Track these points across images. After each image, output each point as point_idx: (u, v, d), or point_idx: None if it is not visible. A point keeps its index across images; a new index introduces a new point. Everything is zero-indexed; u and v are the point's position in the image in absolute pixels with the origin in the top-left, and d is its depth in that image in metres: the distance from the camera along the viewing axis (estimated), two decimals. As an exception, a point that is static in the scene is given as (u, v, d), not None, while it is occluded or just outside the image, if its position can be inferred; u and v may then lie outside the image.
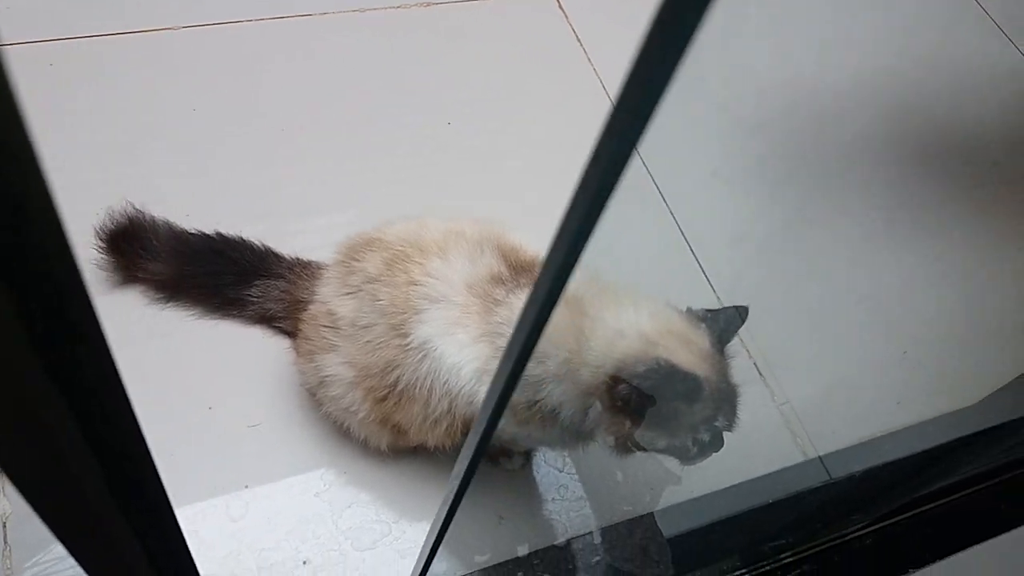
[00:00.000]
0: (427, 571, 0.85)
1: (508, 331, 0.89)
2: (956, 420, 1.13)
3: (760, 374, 1.35)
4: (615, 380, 0.86)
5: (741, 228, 1.51)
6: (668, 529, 1.19)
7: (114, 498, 0.35)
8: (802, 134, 1.66)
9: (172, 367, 1.15)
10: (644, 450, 0.92)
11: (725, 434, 0.94)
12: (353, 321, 0.97)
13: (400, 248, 0.98)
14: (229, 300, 1.15)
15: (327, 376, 1.01)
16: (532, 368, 0.90)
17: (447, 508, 0.62)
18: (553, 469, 1.21)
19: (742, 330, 1.39)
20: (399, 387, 0.97)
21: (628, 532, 1.17)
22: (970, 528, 1.30)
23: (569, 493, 1.19)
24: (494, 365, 0.91)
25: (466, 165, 1.46)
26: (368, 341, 0.95)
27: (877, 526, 1.27)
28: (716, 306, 1.38)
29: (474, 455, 0.52)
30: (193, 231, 1.16)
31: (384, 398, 0.99)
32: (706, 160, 1.59)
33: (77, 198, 1.23)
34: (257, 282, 1.14)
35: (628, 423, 0.89)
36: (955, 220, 1.61)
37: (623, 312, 0.90)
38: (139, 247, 1.11)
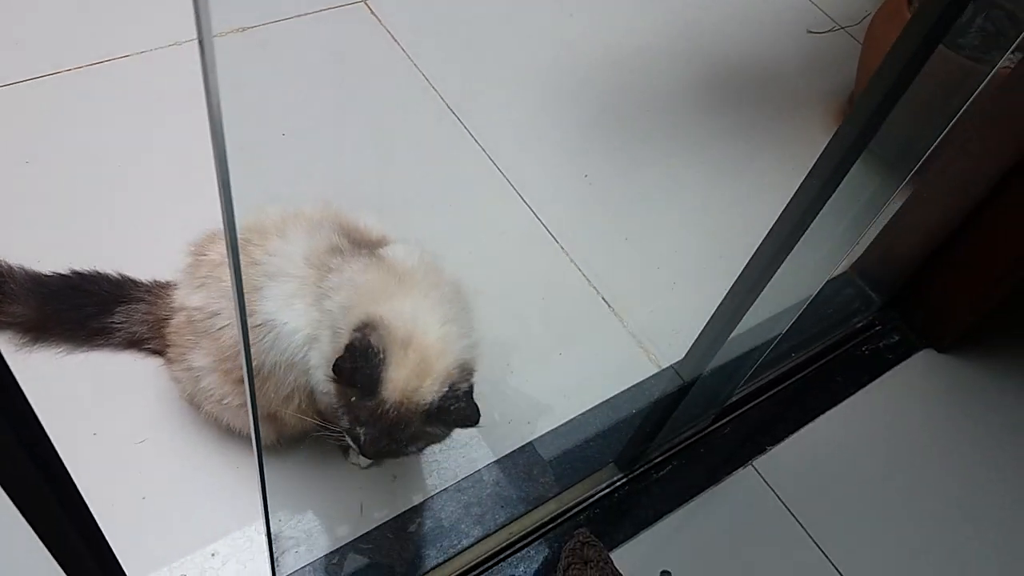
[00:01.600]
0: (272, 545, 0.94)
1: (335, 295, 0.98)
2: (772, 322, 1.29)
3: (609, 306, 1.49)
4: (357, 327, 0.94)
5: (573, 183, 1.66)
6: (547, 453, 1.30)
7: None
8: (615, 90, 1.82)
9: (50, 405, 1.19)
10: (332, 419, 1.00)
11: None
12: (204, 308, 1.04)
13: (241, 235, 1.06)
14: (94, 331, 1.20)
15: (194, 370, 1.08)
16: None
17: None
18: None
19: (591, 271, 1.53)
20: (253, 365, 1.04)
21: (512, 463, 1.29)
22: (811, 404, 1.48)
23: (454, 442, 1.29)
24: (320, 331, 1.00)
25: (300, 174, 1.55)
26: (220, 328, 1.02)
27: (732, 416, 1.42)
28: (564, 260, 1.52)
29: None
30: (48, 272, 1.21)
31: (241, 379, 1.06)
32: (532, 121, 1.73)
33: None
34: (119, 309, 1.20)
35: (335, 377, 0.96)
36: (759, 146, 1.80)
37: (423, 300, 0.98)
38: (-6, 290, 1.15)
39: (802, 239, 1.06)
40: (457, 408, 0.97)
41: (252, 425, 0.75)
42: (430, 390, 0.95)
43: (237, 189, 0.47)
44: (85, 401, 1.21)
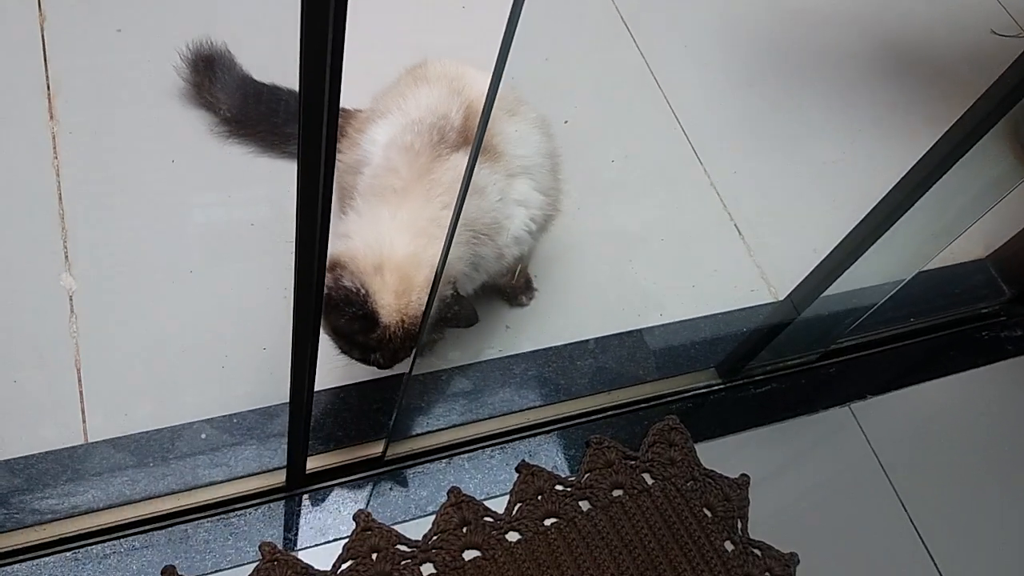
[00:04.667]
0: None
1: (403, 133, 1.06)
2: (885, 278, 1.32)
3: (739, 232, 1.54)
4: (330, 267, 0.98)
5: (719, 98, 1.71)
6: (653, 343, 1.37)
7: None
8: (787, 39, 1.86)
9: (225, 192, 1.36)
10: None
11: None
12: (365, 110, 1.17)
13: (422, 71, 1.17)
14: (284, 136, 1.35)
15: (341, 166, 1.18)
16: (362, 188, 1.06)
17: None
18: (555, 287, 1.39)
19: (728, 196, 1.59)
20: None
21: (618, 343, 1.36)
22: (920, 369, 1.48)
23: (564, 309, 1.37)
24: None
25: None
26: (356, 136, 1.13)
27: (840, 359, 1.45)
28: (698, 173, 1.59)
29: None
30: (258, 79, 1.37)
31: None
32: (690, 39, 1.79)
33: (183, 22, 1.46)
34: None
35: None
36: (914, 125, 1.80)
37: (416, 218, 1.01)
38: (213, 74, 1.32)
39: (922, 201, 1.08)
40: (455, 312, 1.01)
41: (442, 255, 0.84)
42: (420, 301, 0.98)
43: None
44: (258, 196, 1.36)
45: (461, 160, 1.06)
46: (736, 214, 1.55)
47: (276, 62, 1.40)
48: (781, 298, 1.47)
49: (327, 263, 0.97)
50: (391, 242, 1.00)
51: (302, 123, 0.57)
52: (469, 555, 1.11)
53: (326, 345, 1.01)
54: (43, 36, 1.43)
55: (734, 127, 1.70)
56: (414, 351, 1.02)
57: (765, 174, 1.64)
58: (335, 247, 1.02)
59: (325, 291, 0.95)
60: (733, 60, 1.79)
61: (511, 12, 0.62)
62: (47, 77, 1.39)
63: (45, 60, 1.40)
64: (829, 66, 1.84)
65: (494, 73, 0.67)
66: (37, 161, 1.30)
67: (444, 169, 1.05)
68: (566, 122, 1.54)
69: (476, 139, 0.84)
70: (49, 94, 1.37)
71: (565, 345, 1.33)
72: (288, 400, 0.93)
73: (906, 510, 1.32)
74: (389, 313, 0.98)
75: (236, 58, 1.37)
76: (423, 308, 0.98)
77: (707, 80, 1.75)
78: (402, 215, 1.02)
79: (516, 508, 1.16)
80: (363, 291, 0.96)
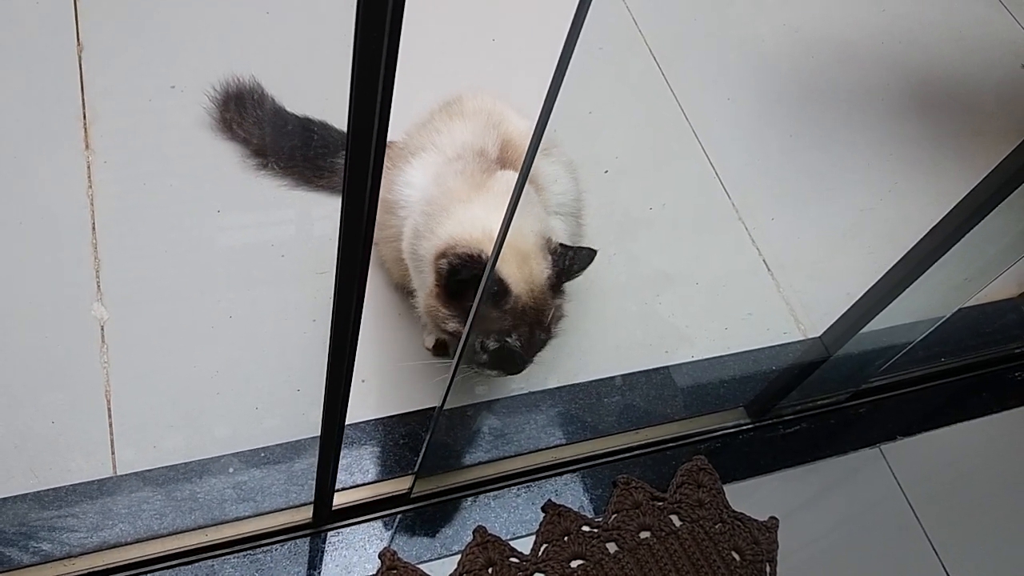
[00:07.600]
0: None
1: (447, 168, 1.07)
2: (918, 319, 1.30)
3: (768, 269, 1.53)
4: (441, 254, 0.99)
5: (753, 145, 1.70)
6: (681, 381, 1.36)
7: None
8: (809, 73, 1.85)
9: (256, 224, 1.36)
10: (445, 333, 1.03)
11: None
12: (397, 143, 1.17)
13: (458, 106, 1.18)
14: (318, 169, 1.35)
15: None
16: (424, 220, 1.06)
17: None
18: (584, 324, 1.38)
19: (755, 232, 1.58)
20: (395, 221, 1.12)
21: (646, 380, 1.35)
22: (951, 410, 1.46)
23: (593, 345, 1.36)
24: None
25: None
26: (392, 167, 1.14)
27: (870, 398, 1.43)
28: (732, 219, 1.59)
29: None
30: (291, 111, 1.38)
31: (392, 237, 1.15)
32: (724, 88, 1.79)
33: (213, 63, 1.46)
34: (343, 152, 1.35)
35: (437, 295, 0.99)
36: (940, 162, 1.78)
37: (492, 210, 1.01)
38: (243, 110, 1.33)
39: (957, 246, 1.07)
40: (573, 259, 1.00)
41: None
42: (540, 266, 0.99)
43: None
44: (289, 228, 1.37)
45: (511, 175, 1.08)
46: (771, 259, 1.54)
47: (309, 92, 1.41)
48: (810, 336, 1.46)
49: (433, 254, 0.99)
50: (487, 223, 0.98)
51: (349, 161, 0.56)
52: (495, 596, 1.10)
53: (357, 379, 1.01)
54: (80, 65, 1.45)
55: (771, 175, 1.69)
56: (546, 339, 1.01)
57: (802, 220, 1.63)
58: (429, 243, 1.02)
59: (445, 268, 0.95)
60: (769, 109, 1.78)
61: (558, 64, 0.63)
62: (83, 106, 1.40)
63: (82, 89, 1.42)
64: (862, 107, 1.82)
65: (538, 123, 0.68)
66: (71, 189, 1.32)
67: (500, 181, 1.07)
68: (606, 171, 1.54)
69: (524, 167, 0.85)
70: (85, 123, 1.39)
71: (592, 381, 1.33)
72: (317, 434, 0.93)
73: (937, 554, 1.30)
74: (516, 282, 0.96)
75: (267, 91, 1.38)
76: (548, 274, 0.98)
77: (744, 130, 1.74)
78: (480, 208, 1.02)
79: (542, 549, 1.15)
80: (484, 256, 0.94)
